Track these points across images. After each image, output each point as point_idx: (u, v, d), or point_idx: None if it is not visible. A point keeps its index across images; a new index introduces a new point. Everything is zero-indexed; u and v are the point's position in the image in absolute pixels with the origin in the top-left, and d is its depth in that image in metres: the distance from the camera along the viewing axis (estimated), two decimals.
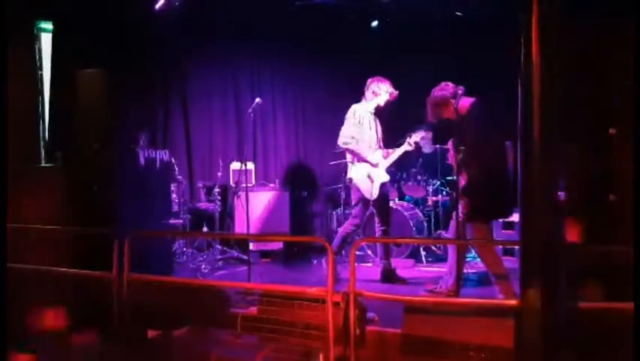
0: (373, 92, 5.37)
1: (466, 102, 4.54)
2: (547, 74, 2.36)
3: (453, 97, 4.53)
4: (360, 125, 5.30)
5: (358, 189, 5.31)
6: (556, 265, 2.45)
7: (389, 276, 5.29)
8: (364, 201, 5.30)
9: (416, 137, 5.48)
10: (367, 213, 5.44)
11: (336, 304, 3.12)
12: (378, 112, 5.47)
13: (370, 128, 5.37)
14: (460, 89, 4.49)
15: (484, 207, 4.41)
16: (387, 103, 5.43)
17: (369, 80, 5.44)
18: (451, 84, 4.64)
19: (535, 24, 2.34)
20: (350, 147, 5.31)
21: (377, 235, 5.49)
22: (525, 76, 2.38)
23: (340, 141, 5.34)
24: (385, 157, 5.45)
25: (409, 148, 5.47)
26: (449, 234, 4.86)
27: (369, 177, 5.28)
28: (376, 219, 5.41)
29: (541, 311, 2.44)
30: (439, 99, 4.60)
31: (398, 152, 5.44)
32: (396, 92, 5.43)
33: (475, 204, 4.39)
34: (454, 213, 4.64)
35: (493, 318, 3.32)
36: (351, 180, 5.38)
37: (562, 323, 2.51)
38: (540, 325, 2.46)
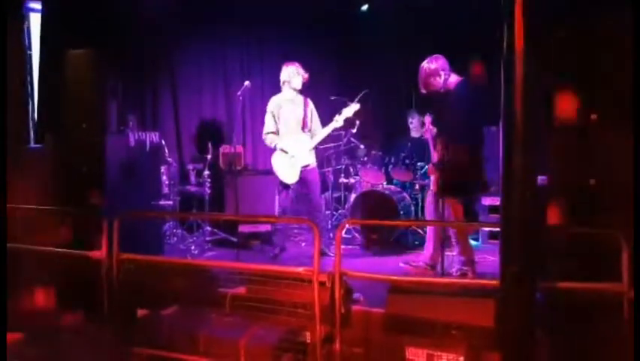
0: (283, 81, 5.54)
1: (455, 78, 4.64)
2: (529, 60, 2.42)
3: (442, 69, 4.64)
4: (277, 116, 5.52)
5: (278, 176, 5.50)
6: (535, 246, 2.52)
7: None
8: (284, 186, 5.48)
9: (346, 112, 5.57)
10: (291, 197, 5.52)
11: (322, 283, 3.18)
12: (303, 93, 5.59)
13: (292, 113, 5.54)
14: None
15: (453, 184, 4.51)
16: (305, 84, 5.56)
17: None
18: (441, 57, 4.73)
19: (518, 12, 2.39)
20: (267, 140, 5.59)
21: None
22: (507, 62, 2.43)
23: (263, 136, 5.62)
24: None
25: (338, 125, 5.59)
26: (427, 210, 4.98)
27: (288, 162, 5.45)
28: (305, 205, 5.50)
29: (521, 291, 2.52)
30: (430, 70, 4.70)
31: (326, 130, 5.58)
32: (306, 75, 5.53)
33: (445, 180, 4.52)
34: (429, 189, 4.78)
35: (475, 298, 3.40)
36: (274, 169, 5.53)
37: (540, 302, 2.59)
38: (519, 304, 2.54)
